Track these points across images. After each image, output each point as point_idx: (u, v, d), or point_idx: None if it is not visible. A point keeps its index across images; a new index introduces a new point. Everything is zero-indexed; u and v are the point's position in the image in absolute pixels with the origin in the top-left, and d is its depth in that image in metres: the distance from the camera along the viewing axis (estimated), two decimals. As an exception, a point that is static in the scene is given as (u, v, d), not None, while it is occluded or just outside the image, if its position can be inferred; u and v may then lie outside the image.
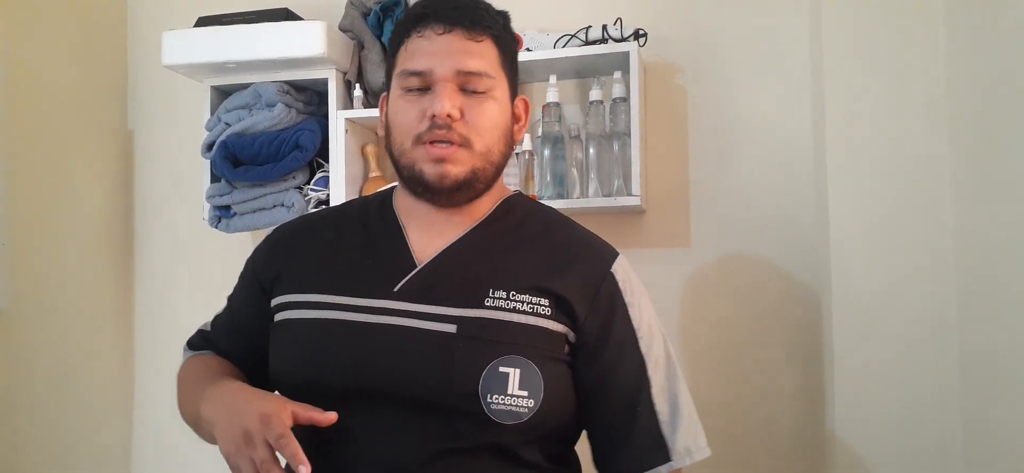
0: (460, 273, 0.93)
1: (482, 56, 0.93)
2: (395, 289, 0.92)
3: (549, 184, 1.67)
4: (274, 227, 1.11)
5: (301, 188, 1.79)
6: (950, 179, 1.40)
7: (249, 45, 1.71)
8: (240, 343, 1.05)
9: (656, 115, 1.76)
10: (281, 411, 0.82)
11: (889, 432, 1.41)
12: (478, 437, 0.88)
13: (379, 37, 1.80)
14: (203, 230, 1.89)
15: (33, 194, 1.80)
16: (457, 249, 0.96)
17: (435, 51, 0.92)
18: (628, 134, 1.62)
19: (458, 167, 0.92)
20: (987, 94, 1.27)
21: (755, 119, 1.71)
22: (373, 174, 1.85)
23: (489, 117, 0.93)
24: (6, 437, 1.74)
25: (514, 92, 1.00)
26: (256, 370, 1.01)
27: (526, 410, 0.87)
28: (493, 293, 0.91)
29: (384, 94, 1.00)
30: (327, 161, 1.79)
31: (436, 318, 0.90)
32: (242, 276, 1.08)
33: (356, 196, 1.80)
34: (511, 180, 1.63)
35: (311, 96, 1.86)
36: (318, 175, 1.80)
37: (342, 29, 1.80)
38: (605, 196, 1.64)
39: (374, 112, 1.75)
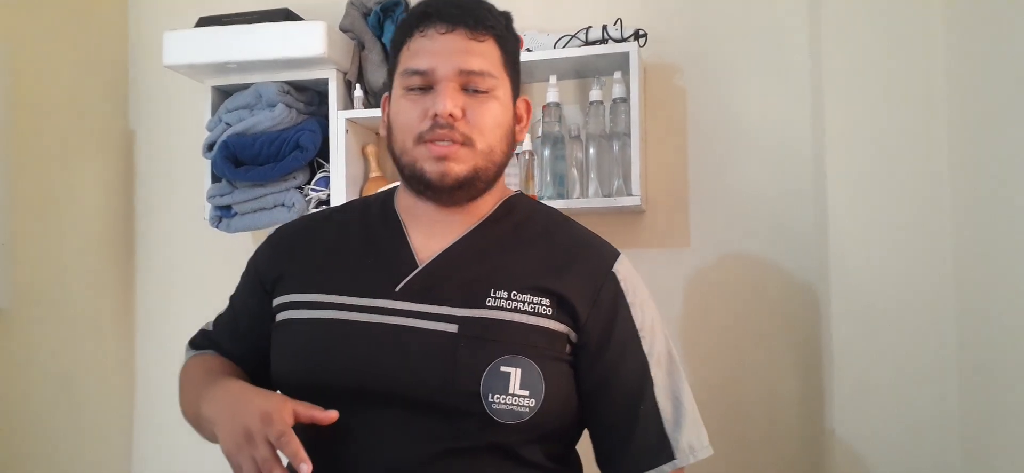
0: (461, 273, 0.94)
1: (484, 56, 0.93)
2: (397, 289, 0.92)
3: (549, 184, 1.67)
4: (275, 227, 1.11)
5: (302, 188, 1.80)
6: (949, 179, 1.40)
7: (250, 45, 1.72)
8: (242, 343, 1.06)
9: (656, 115, 1.76)
10: (282, 409, 0.83)
11: (888, 430, 1.42)
12: (479, 437, 0.88)
13: (379, 37, 1.80)
14: (204, 230, 1.90)
15: (34, 194, 1.80)
16: (458, 249, 0.96)
17: (437, 51, 0.92)
18: (628, 134, 1.62)
19: (460, 165, 0.92)
20: (986, 94, 1.27)
21: (755, 119, 1.71)
22: (373, 174, 1.85)
23: (491, 116, 0.93)
24: (6, 437, 1.74)
25: (516, 92, 1.00)
26: (258, 370, 1.02)
27: (527, 410, 0.87)
28: (494, 293, 0.91)
29: (386, 94, 1.00)
30: (327, 161, 1.79)
31: (437, 318, 0.90)
32: (244, 276, 1.08)
33: (356, 196, 1.80)
34: (511, 180, 1.63)
35: (312, 96, 1.87)
36: (319, 175, 1.80)
37: (342, 29, 1.81)
38: (605, 196, 1.65)
39: (374, 112, 1.75)
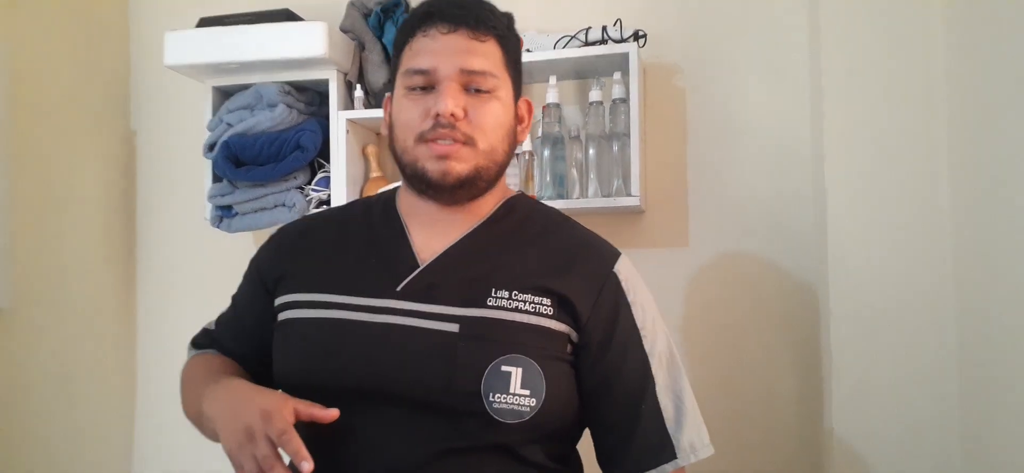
0: (463, 273, 0.94)
1: (486, 56, 0.94)
2: (398, 289, 0.93)
3: (549, 184, 1.68)
4: (277, 227, 1.12)
5: (302, 188, 1.80)
6: (948, 179, 1.40)
7: (251, 46, 1.72)
8: (244, 342, 1.06)
9: (655, 116, 1.77)
10: (283, 407, 0.83)
11: (888, 430, 1.42)
12: (480, 436, 0.88)
13: (380, 38, 1.80)
14: (205, 230, 1.90)
15: (35, 194, 1.80)
16: (460, 249, 0.96)
17: (439, 50, 0.93)
18: (627, 135, 1.62)
19: (461, 164, 0.92)
20: (985, 94, 1.27)
21: (754, 120, 1.71)
22: (374, 174, 1.86)
23: (493, 116, 0.94)
24: (7, 437, 1.74)
25: (518, 93, 1.00)
26: (260, 369, 1.02)
27: (528, 409, 0.88)
28: (495, 293, 0.91)
29: (388, 94, 1.01)
30: (328, 161, 1.80)
31: (439, 318, 0.90)
32: (246, 275, 1.09)
33: (357, 196, 1.81)
34: (511, 181, 1.64)
35: (312, 97, 1.87)
36: (319, 175, 1.81)
37: (343, 30, 1.81)
38: (604, 196, 1.65)
39: (375, 113, 1.75)
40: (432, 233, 0.97)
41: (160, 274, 2.08)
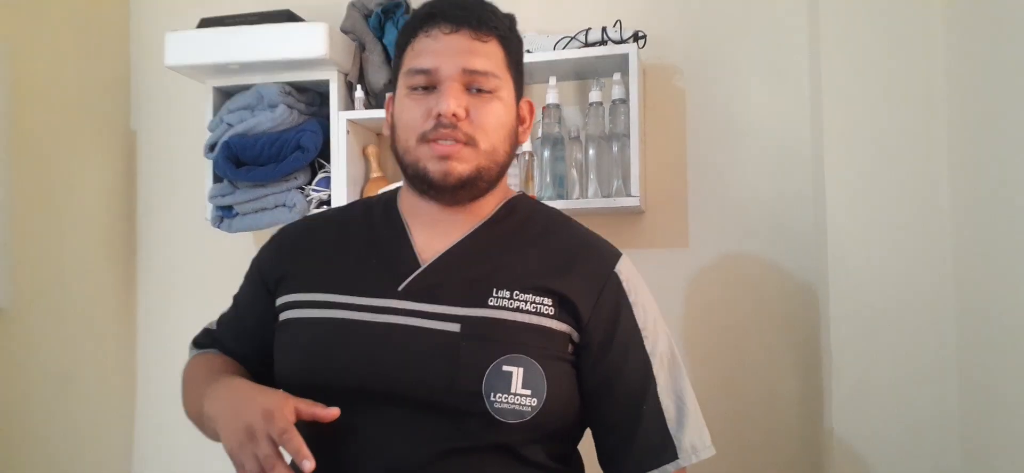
0: (464, 273, 0.94)
1: (488, 56, 0.94)
2: (399, 289, 0.93)
3: (549, 185, 1.68)
4: (278, 227, 1.12)
5: (303, 188, 1.80)
6: (948, 179, 1.41)
7: (251, 46, 1.72)
8: (246, 342, 1.06)
9: (655, 116, 1.77)
10: (284, 406, 0.83)
11: (888, 430, 1.42)
12: (481, 436, 0.88)
13: (380, 39, 1.81)
14: (205, 230, 1.90)
15: (35, 194, 1.80)
16: (461, 249, 0.96)
17: (441, 50, 0.93)
18: (627, 135, 1.63)
19: (463, 165, 0.92)
20: (985, 94, 1.28)
21: (754, 120, 1.72)
22: (374, 175, 1.86)
23: (494, 117, 0.94)
24: (7, 437, 1.74)
25: (519, 93, 1.01)
26: (262, 369, 1.01)
27: (529, 409, 0.88)
28: (496, 293, 0.91)
29: (390, 94, 1.01)
30: (328, 162, 1.80)
31: (440, 317, 0.90)
32: (248, 276, 1.09)
33: (357, 197, 1.81)
34: (511, 181, 1.64)
35: (313, 97, 1.87)
36: (320, 176, 1.81)
37: (343, 31, 1.81)
38: (604, 197, 1.65)
39: (375, 113, 1.76)
40: (433, 233, 0.98)
41: (160, 274, 2.08)
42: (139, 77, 2.11)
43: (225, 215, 1.84)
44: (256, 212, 1.81)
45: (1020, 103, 1.15)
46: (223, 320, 1.11)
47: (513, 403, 0.87)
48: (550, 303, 0.92)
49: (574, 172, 1.69)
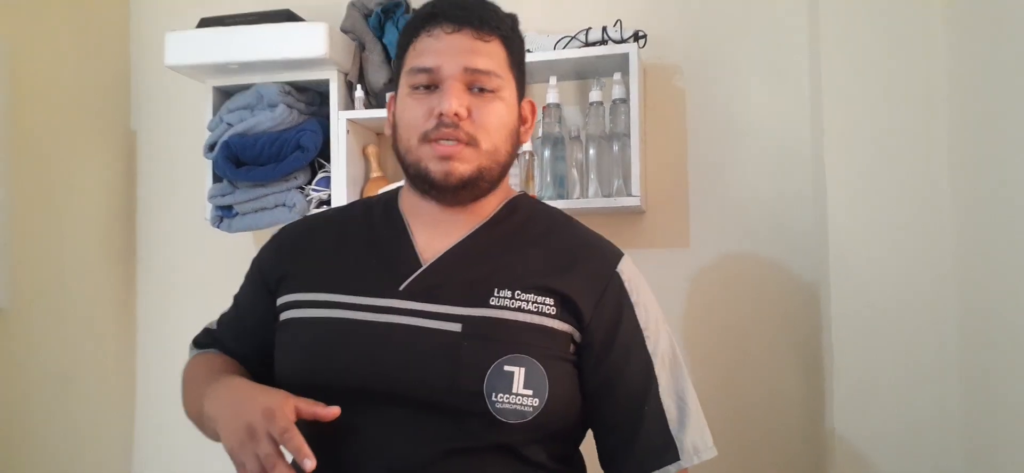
0: (465, 272, 0.94)
1: (490, 56, 0.94)
2: (400, 288, 0.93)
3: (549, 185, 1.68)
4: (279, 227, 1.12)
5: (303, 188, 1.80)
6: (949, 179, 1.40)
7: (251, 46, 1.72)
8: (246, 342, 1.06)
9: (656, 116, 1.77)
10: (284, 405, 0.83)
11: (889, 430, 1.42)
12: (483, 436, 0.88)
13: (380, 38, 1.81)
14: (205, 230, 1.90)
15: (35, 194, 1.80)
16: (462, 249, 0.96)
17: (443, 49, 0.93)
18: (628, 135, 1.62)
19: (464, 165, 0.92)
20: (986, 94, 1.27)
21: (754, 120, 1.71)
22: (374, 174, 1.86)
23: (496, 117, 0.94)
24: (6, 437, 1.74)
25: (521, 93, 1.00)
26: (262, 369, 1.01)
27: (531, 409, 0.87)
28: (498, 292, 0.91)
29: (391, 94, 1.01)
30: (328, 161, 1.80)
31: (441, 317, 0.90)
32: (248, 275, 1.09)
33: (357, 196, 1.81)
34: (511, 181, 1.63)
35: (313, 97, 1.87)
36: (319, 175, 1.81)
37: (343, 30, 1.81)
38: (605, 197, 1.65)
39: (375, 113, 1.76)
40: (434, 233, 0.97)
41: (160, 274, 2.08)
42: (139, 77, 2.11)
43: (225, 215, 1.84)
44: (256, 212, 1.81)
45: (1021, 103, 1.15)
46: (223, 320, 1.11)
47: (514, 403, 0.87)
48: (552, 303, 0.92)
49: (574, 172, 1.69)
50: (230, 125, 1.80)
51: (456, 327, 0.89)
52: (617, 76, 1.66)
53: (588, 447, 1.01)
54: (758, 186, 1.70)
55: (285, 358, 0.96)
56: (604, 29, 1.68)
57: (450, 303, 0.91)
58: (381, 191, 1.12)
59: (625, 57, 1.63)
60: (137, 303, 2.10)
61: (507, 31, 0.97)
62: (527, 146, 1.67)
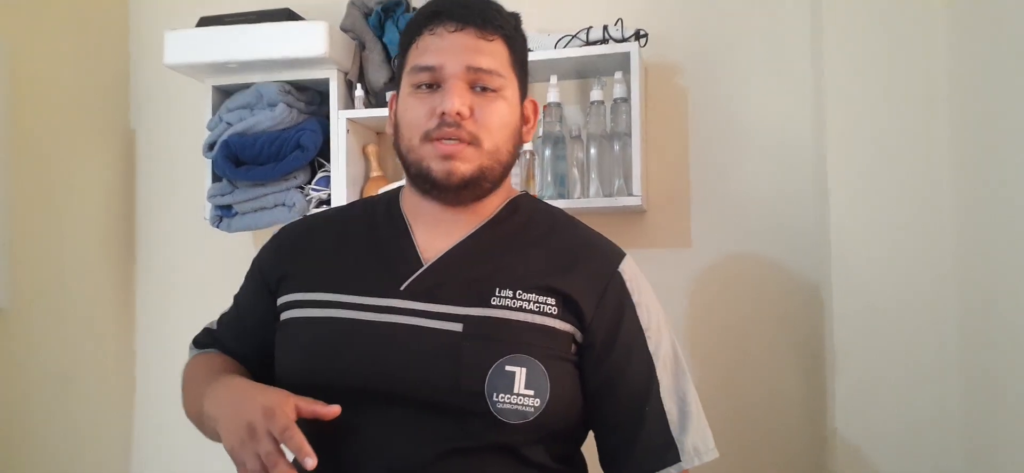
0: (466, 272, 0.93)
1: (493, 55, 0.93)
2: (401, 288, 0.92)
3: (550, 184, 1.67)
4: (279, 227, 1.11)
5: (302, 188, 1.79)
6: (951, 179, 1.40)
7: (251, 45, 1.71)
8: (247, 342, 1.05)
9: (657, 115, 1.76)
10: (285, 404, 0.82)
11: (891, 430, 1.42)
12: (484, 436, 0.88)
13: (380, 37, 1.80)
14: (204, 229, 1.89)
15: (34, 194, 1.79)
16: (464, 248, 0.96)
17: (446, 48, 0.92)
18: (629, 134, 1.62)
19: (466, 164, 0.92)
20: (987, 94, 1.27)
21: (756, 119, 1.71)
22: (374, 174, 1.85)
23: (498, 116, 0.93)
24: (6, 437, 1.73)
25: (524, 93, 1.00)
26: (262, 369, 1.01)
27: (532, 409, 0.87)
28: (499, 292, 0.91)
29: (393, 92, 1.00)
30: (328, 161, 1.79)
31: (442, 317, 0.90)
32: (248, 275, 1.08)
33: (357, 196, 1.80)
34: (513, 180, 1.63)
35: (312, 96, 1.87)
36: (319, 175, 1.80)
37: (343, 29, 1.81)
38: (606, 196, 1.65)
39: (375, 112, 1.75)
40: (436, 233, 0.97)
41: (159, 274, 2.08)
42: (138, 76, 2.10)
43: (224, 214, 1.84)
44: (255, 211, 1.80)
45: (1021, 102, 1.14)
46: (223, 320, 1.11)
47: (516, 403, 0.87)
48: (553, 303, 0.91)
49: (575, 171, 1.69)
50: (229, 124, 1.79)
51: (457, 327, 0.89)
52: (618, 75, 1.66)
53: (589, 447, 1.00)
54: (759, 186, 1.70)
55: (285, 358, 0.96)
56: (605, 28, 1.68)
57: (451, 303, 0.90)
58: (382, 190, 1.11)
59: (626, 56, 1.62)
60: (136, 303, 2.09)
61: (510, 30, 0.96)
62: (528, 145, 1.67)
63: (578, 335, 0.93)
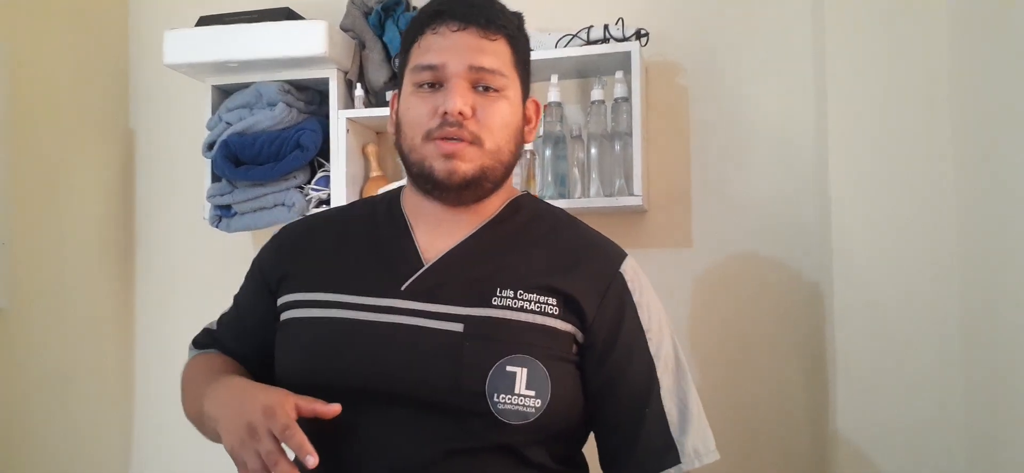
0: (467, 272, 0.93)
1: (496, 54, 0.93)
2: (402, 288, 0.92)
3: (550, 184, 1.67)
4: (279, 227, 1.11)
5: (302, 187, 1.79)
6: (952, 178, 1.40)
7: (250, 44, 1.71)
8: (247, 342, 1.05)
9: (658, 115, 1.76)
10: (285, 402, 0.82)
11: (893, 430, 1.41)
12: (485, 437, 0.87)
13: (380, 36, 1.80)
14: (204, 229, 1.89)
15: (33, 194, 1.79)
16: (465, 248, 0.96)
17: (449, 47, 0.92)
18: (630, 134, 1.62)
19: (468, 164, 0.91)
20: (989, 93, 1.27)
21: (757, 119, 1.71)
22: (374, 174, 1.85)
23: (500, 116, 0.93)
24: (6, 437, 1.73)
25: (526, 93, 1.00)
26: (262, 369, 1.01)
27: (533, 410, 0.87)
28: (500, 292, 0.90)
29: (394, 91, 1.00)
30: (328, 160, 1.79)
31: (443, 317, 0.89)
32: (249, 275, 1.08)
33: (357, 196, 1.80)
34: (513, 180, 1.63)
35: (312, 95, 1.86)
36: (319, 174, 1.80)
37: (343, 28, 1.80)
38: (607, 196, 1.64)
39: (375, 111, 1.75)
40: (437, 233, 0.97)
41: (159, 274, 2.08)
42: (138, 75, 2.10)
43: (224, 214, 1.83)
44: (255, 211, 1.80)
45: (1023, 101, 1.14)
46: (223, 320, 1.10)
47: (517, 404, 0.86)
48: (555, 303, 0.91)
49: (576, 171, 1.68)
50: (229, 124, 1.79)
51: (458, 327, 0.89)
52: (619, 74, 1.65)
53: (590, 448, 1.00)
54: (761, 185, 1.70)
55: (286, 358, 0.95)
56: (606, 27, 1.67)
57: (452, 303, 0.90)
58: (383, 190, 1.11)
59: (627, 55, 1.62)
60: (136, 303, 2.09)
61: (513, 30, 0.96)
62: (528, 145, 1.66)
63: (579, 335, 0.93)
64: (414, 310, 0.90)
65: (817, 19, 1.58)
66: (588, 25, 1.70)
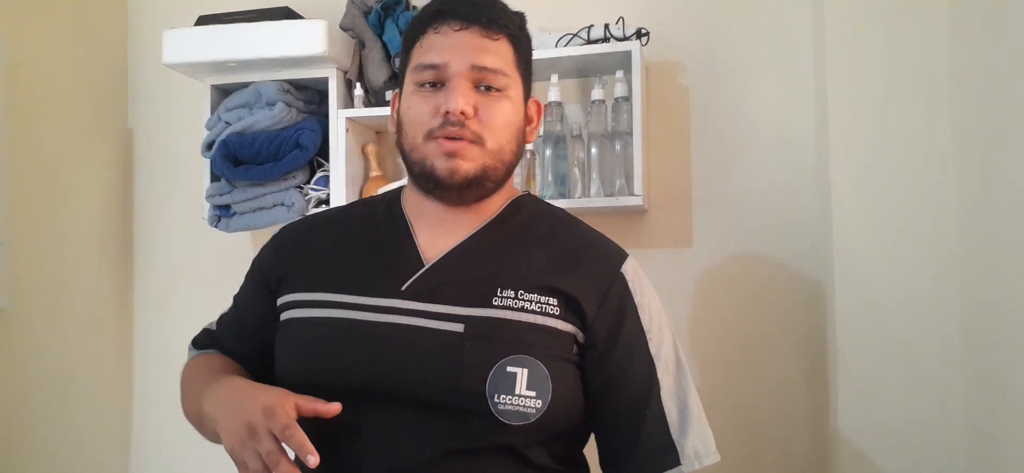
0: (468, 272, 0.93)
1: (498, 54, 0.93)
2: (402, 288, 0.92)
3: (551, 183, 1.67)
4: (279, 227, 1.11)
5: (301, 187, 1.79)
6: (953, 178, 1.40)
7: (250, 44, 1.71)
8: (246, 342, 1.05)
9: (658, 114, 1.76)
10: (285, 402, 0.82)
11: (893, 431, 1.41)
12: (485, 437, 0.87)
13: (380, 36, 1.79)
14: (203, 229, 1.89)
15: (33, 193, 1.79)
16: (465, 248, 0.95)
17: (451, 46, 0.92)
18: (630, 133, 1.61)
19: (469, 163, 0.91)
20: (990, 92, 1.27)
21: (758, 118, 1.70)
22: (374, 173, 1.84)
23: (502, 116, 0.93)
24: (5, 437, 1.73)
25: (527, 93, 1.00)
26: (262, 370, 1.01)
27: (534, 410, 0.87)
28: (501, 292, 0.90)
29: (395, 91, 1.00)
30: (327, 160, 1.78)
31: (444, 317, 0.89)
32: (248, 275, 1.08)
33: (356, 196, 1.80)
34: (514, 180, 1.63)
35: (312, 95, 1.86)
36: (318, 174, 1.80)
37: (343, 28, 1.80)
38: (607, 196, 1.64)
39: (374, 111, 1.75)
40: (438, 233, 0.97)
41: (158, 274, 2.07)
42: (137, 75, 2.10)
43: (223, 214, 1.83)
44: (254, 211, 1.80)
45: (1023, 101, 1.14)
46: (223, 320, 1.10)
47: (517, 404, 0.86)
48: (556, 303, 0.91)
49: (576, 171, 1.68)
50: (228, 123, 1.79)
51: (458, 327, 0.88)
52: (619, 74, 1.65)
53: (590, 449, 1.00)
54: (761, 185, 1.70)
55: (286, 358, 0.95)
56: (606, 26, 1.67)
57: (452, 303, 0.90)
58: (383, 190, 1.11)
59: (627, 55, 1.62)
60: (135, 302, 2.09)
61: (515, 30, 0.96)
62: (528, 145, 1.66)
63: (580, 336, 0.93)
64: (414, 310, 0.90)
65: (817, 19, 1.58)
66: (589, 24, 1.69)
